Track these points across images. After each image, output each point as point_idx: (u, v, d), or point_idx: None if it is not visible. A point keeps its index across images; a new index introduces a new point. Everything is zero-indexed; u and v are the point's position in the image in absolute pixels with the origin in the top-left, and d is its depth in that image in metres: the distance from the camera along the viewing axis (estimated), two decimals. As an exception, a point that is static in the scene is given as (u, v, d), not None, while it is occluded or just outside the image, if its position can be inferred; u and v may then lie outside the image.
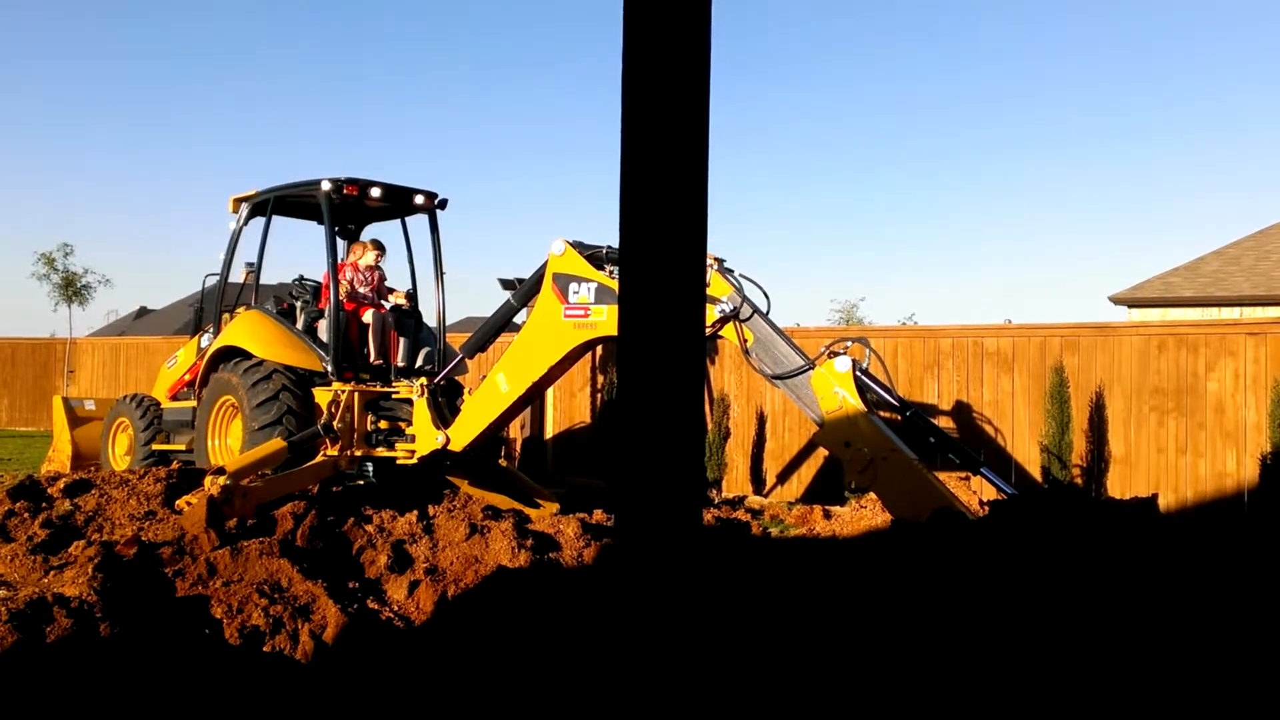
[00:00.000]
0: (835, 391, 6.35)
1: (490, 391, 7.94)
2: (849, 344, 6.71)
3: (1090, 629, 3.93)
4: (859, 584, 4.68)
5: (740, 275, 6.91)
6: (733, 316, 6.76)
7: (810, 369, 6.51)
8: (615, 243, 7.97)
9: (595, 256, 7.49)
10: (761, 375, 6.80)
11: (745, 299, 6.78)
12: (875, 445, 6.14)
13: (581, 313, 7.33)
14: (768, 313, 6.80)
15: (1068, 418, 9.92)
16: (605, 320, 7.20)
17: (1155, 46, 74.79)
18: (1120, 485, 9.82)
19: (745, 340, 6.77)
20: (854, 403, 6.27)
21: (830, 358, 6.48)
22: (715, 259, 7.00)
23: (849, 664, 3.97)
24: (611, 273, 7.35)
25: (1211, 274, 19.96)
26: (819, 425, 6.46)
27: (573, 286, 7.38)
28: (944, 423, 10.73)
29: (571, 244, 7.51)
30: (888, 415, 6.75)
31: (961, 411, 10.74)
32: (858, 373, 6.41)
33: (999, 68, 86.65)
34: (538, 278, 7.71)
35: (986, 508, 5.71)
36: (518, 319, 8.29)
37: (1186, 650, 3.82)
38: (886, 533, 6.00)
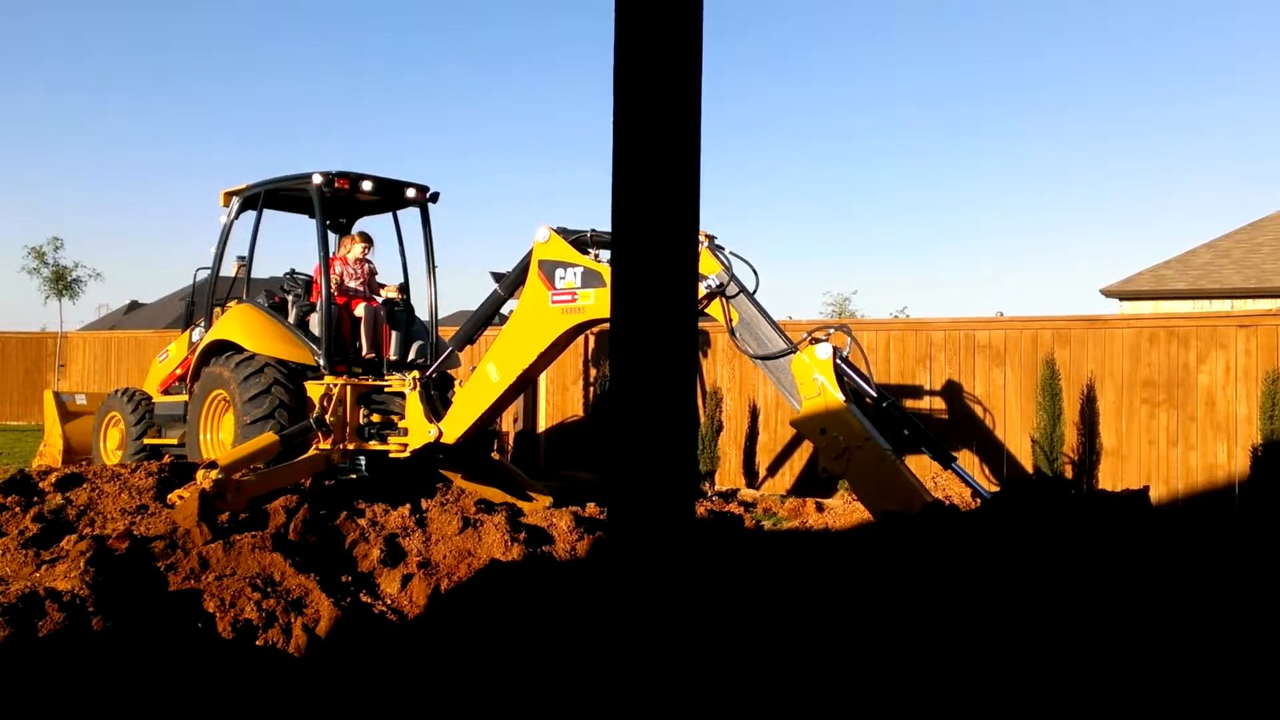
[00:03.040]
0: (815, 378, 6.36)
1: (481, 382, 7.93)
2: (831, 331, 6.72)
3: (1082, 622, 3.95)
4: (852, 577, 4.69)
5: (731, 253, 6.91)
6: (719, 292, 6.76)
7: (792, 353, 6.52)
8: (599, 228, 7.96)
9: (580, 241, 7.49)
10: (745, 355, 6.83)
11: (733, 278, 6.78)
12: (850, 434, 6.16)
13: (569, 298, 7.33)
14: (755, 292, 6.80)
15: (1059, 410, 9.94)
16: (593, 304, 7.20)
17: (1146, 39, 74.93)
18: (1112, 477, 9.84)
19: (730, 319, 6.78)
20: (833, 390, 6.29)
21: (812, 344, 6.49)
22: (706, 235, 7.00)
23: (842, 657, 3.98)
24: (597, 256, 7.36)
25: (1202, 266, 20.04)
26: (797, 410, 6.49)
27: (559, 272, 7.38)
28: (936, 414, 10.76)
29: (555, 230, 7.51)
30: (867, 403, 6.76)
31: (953, 404, 10.76)
32: (838, 360, 6.42)
33: (991, 62, 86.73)
34: (523, 266, 7.71)
35: (980, 500, 5.72)
36: (505, 309, 8.28)
37: (1179, 642, 3.84)
38: (879, 525, 6.01)
